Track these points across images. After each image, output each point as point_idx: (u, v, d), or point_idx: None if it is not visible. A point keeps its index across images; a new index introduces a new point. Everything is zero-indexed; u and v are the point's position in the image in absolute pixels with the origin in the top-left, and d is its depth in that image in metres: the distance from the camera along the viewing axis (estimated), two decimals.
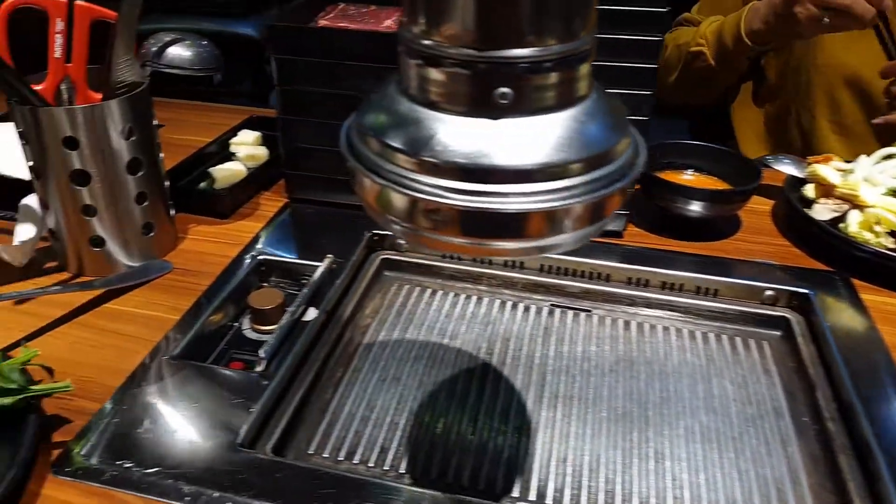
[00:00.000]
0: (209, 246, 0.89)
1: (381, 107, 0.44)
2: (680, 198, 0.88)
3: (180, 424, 0.61)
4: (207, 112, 1.32)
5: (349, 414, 0.68)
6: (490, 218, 0.39)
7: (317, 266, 0.83)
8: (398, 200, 0.41)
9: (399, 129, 0.42)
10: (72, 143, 0.74)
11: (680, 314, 0.82)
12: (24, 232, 0.83)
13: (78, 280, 0.82)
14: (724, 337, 0.79)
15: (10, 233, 0.91)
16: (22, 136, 0.75)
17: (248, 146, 1.09)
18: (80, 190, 0.76)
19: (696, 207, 0.88)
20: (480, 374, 0.73)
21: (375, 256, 0.90)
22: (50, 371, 0.59)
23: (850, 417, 0.63)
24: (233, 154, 1.08)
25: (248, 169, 1.02)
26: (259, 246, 0.88)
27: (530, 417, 0.68)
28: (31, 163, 0.77)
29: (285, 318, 0.73)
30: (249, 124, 1.17)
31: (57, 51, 0.77)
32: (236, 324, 0.78)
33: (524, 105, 0.39)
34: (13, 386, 0.55)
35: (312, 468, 0.57)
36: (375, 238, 0.91)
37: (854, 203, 0.85)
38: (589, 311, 0.83)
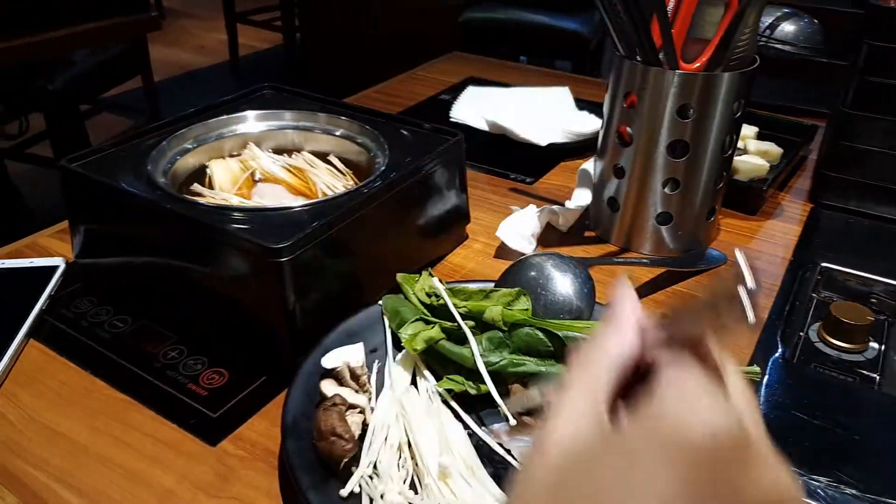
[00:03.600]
0: (748, 241, 0.81)
1: None
2: None
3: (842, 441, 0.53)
4: None
5: None
6: None
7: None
8: None
9: None
10: (685, 110, 0.69)
11: None
12: (580, 197, 0.81)
13: (625, 255, 0.78)
14: None
15: (524, 193, 0.91)
16: (624, 96, 0.72)
17: (753, 140, 1.00)
18: (672, 162, 0.72)
19: None
20: None
21: None
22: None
23: None
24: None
25: (770, 167, 0.93)
26: (813, 252, 0.78)
27: None
28: (604, 129, 0.75)
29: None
30: None
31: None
32: (801, 333, 0.69)
33: None
34: None
35: None
36: None
37: None
38: None
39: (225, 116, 0.77)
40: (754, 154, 0.97)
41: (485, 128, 1.03)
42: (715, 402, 0.23)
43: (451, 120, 1.07)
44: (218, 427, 0.53)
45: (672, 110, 0.69)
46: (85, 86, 2.14)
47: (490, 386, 0.50)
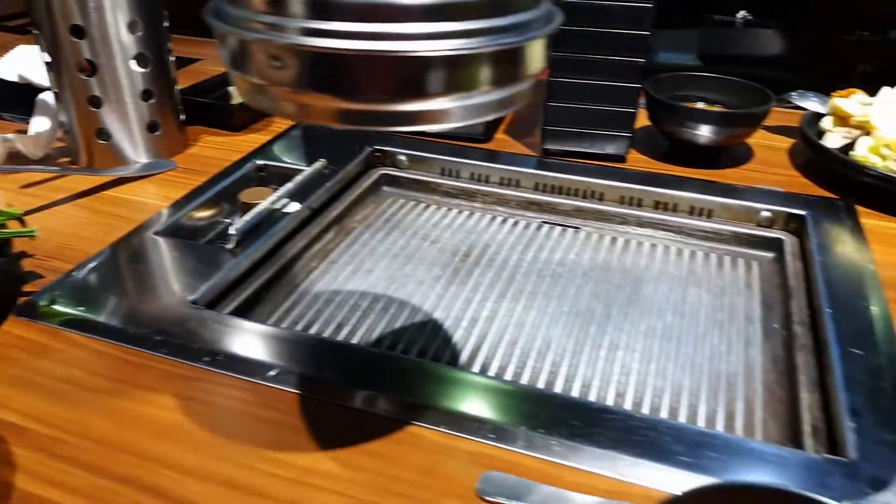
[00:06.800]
0: (215, 152, 0.92)
1: None
2: (685, 121, 0.86)
3: (143, 284, 0.63)
4: None
5: (315, 295, 0.69)
6: (377, 65, 0.36)
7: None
8: (244, 48, 0.38)
9: None
10: (78, 31, 0.77)
11: (671, 233, 0.80)
12: (39, 124, 0.87)
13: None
14: (714, 255, 0.76)
15: None
16: (36, 25, 0.79)
17: None
18: (87, 80, 0.80)
19: (701, 132, 0.85)
20: (452, 271, 0.73)
21: (374, 171, 0.91)
22: (21, 220, 0.63)
23: (818, 320, 0.60)
24: None
25: None
26: (262, 154, 0.90)
27: (491, 308, 0.67)
28: (45, 53, 0.81)
29: (263, 205, 0.74)
30: None
31: None
32: (228, 220, 0.81)
33: None
34: None
35: (256, 325, 0.58)
36: (377, 154, 0.92)
37: (866, 129, 0.80)
38: (578, 228, 0.82)
39: None
40: None
41: (15, 79, 1.07)
42: None
43: None
44: None
45: (68, 32, 0.77)
46: None
47: None
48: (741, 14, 2.30)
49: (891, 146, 0.76)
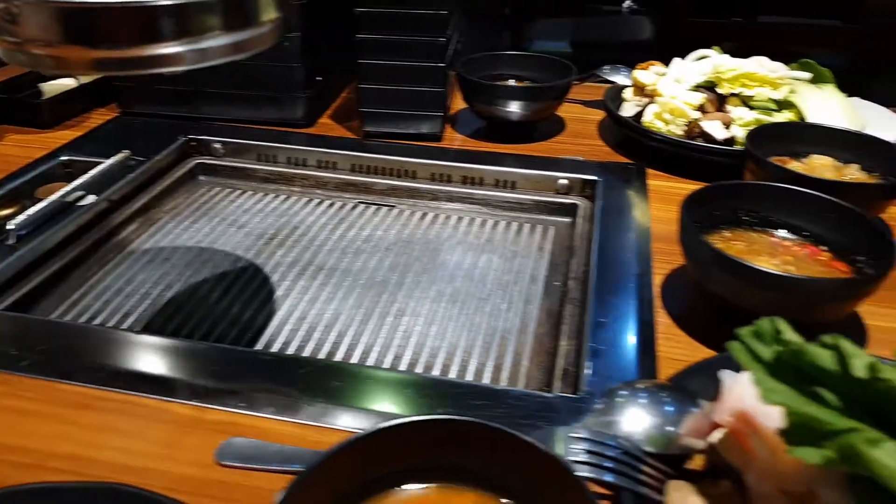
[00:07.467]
0: (20, 150, 0.88)
1: None
2: (493, 99, 0.88)
3: None
4: None
5: (106, 287, 0.68)
6: (112, 15, 0.39)
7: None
8: None
9: None
10: None
11: (477, 206, 0.82)
12: None
13: None
14: (514, 224, 0.79)
15: None
16: None
17: None
18: None
19: (509, 108, 0.88)
20: (254, 254, 0.73)
21: (189, 161, 0.90)
22: None
23: (588, 274, 0.63)
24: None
25: (80, 83, 1.01)
26: (71, 149, 0.87)
27: (286, 286, 0.67)
28: None
29: (50, 199, 0.72)
30: None
31: None
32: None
33: None
34: None
35: (22, 318, 0.57)
36: (193, 143, 0.91)
37: (654, 97, 0.85)
38: (393, 206, 0.83)
39: None
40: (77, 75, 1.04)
41: None
42: None
43: None
44: None
45: None
46: None
47: None
48: (627, 3, 2.40)
49: (673, 111, 0.81)
